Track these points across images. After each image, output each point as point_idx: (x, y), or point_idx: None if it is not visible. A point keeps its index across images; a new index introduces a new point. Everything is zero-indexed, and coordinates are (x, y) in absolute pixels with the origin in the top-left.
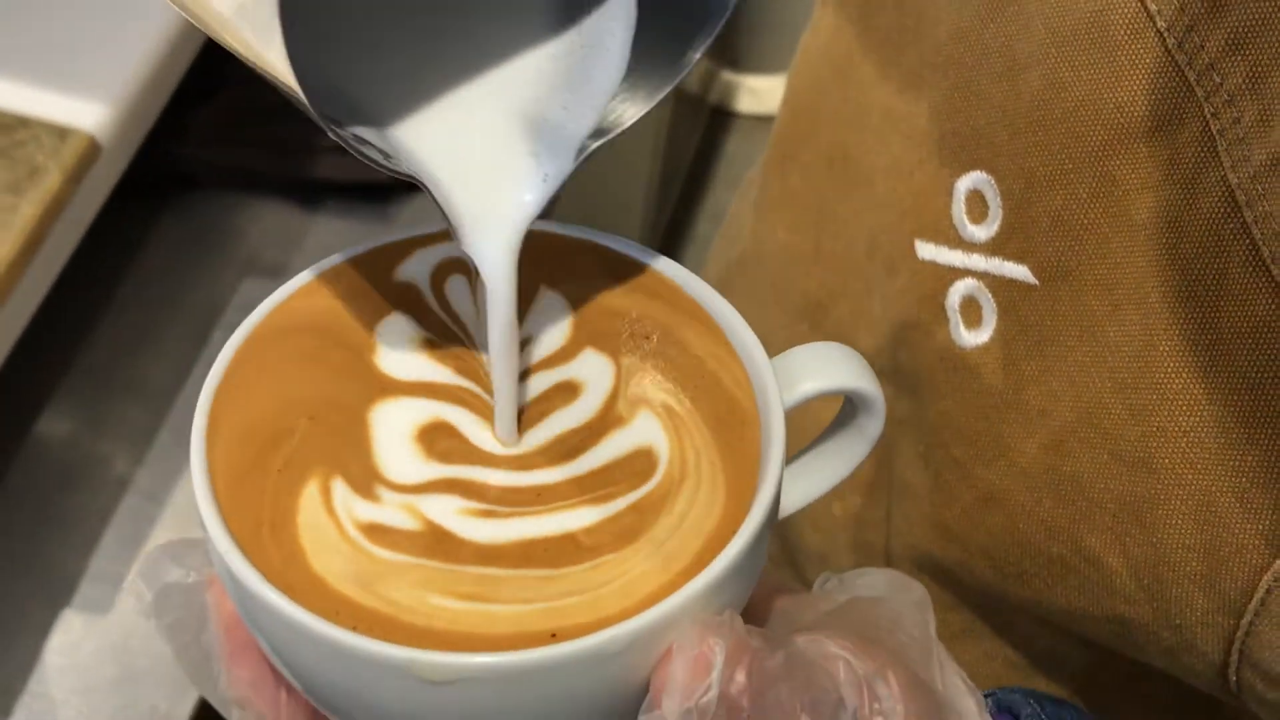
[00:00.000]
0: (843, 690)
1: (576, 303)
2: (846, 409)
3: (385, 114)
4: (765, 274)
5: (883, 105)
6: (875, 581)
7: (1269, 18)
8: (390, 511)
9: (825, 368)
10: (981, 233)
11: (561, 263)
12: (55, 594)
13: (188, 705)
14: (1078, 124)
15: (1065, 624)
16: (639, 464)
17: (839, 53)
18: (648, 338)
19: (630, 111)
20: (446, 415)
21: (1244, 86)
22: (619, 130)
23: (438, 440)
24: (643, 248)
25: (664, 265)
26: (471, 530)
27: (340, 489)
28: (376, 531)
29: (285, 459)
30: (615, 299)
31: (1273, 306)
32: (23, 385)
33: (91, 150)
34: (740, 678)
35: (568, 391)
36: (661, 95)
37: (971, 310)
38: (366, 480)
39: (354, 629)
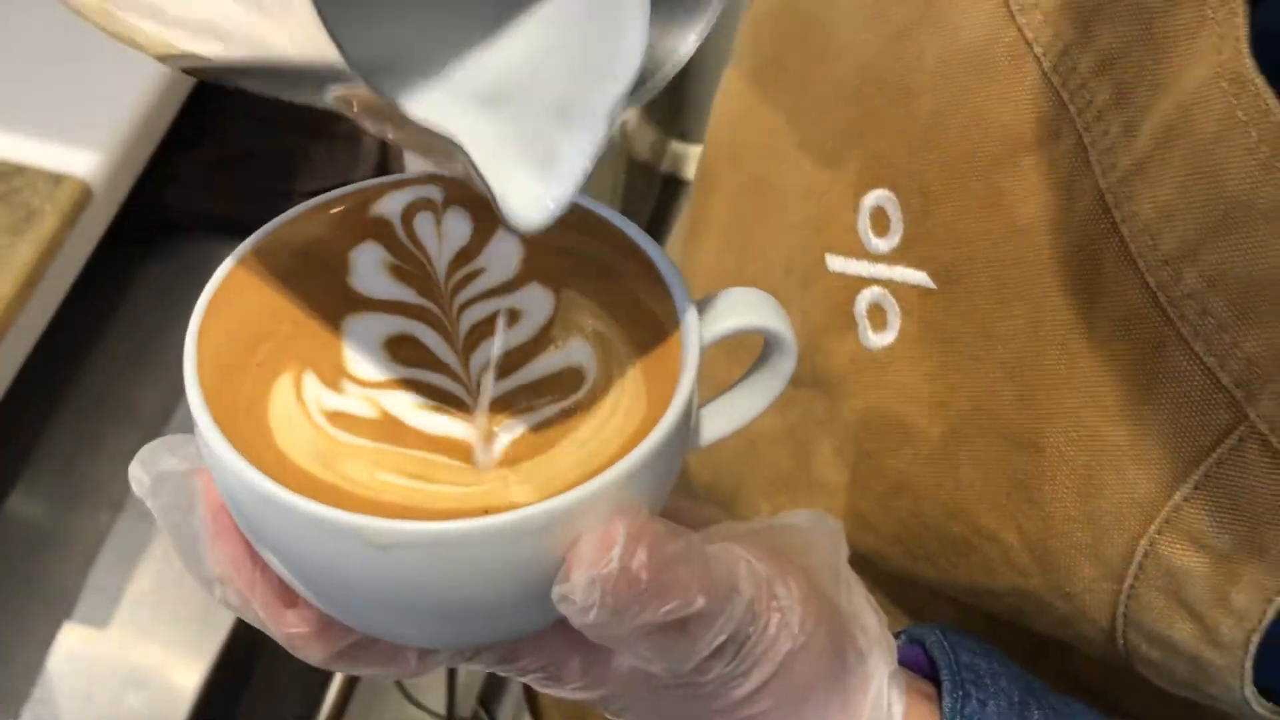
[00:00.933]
0: (740, 583)
1: (529, 243)
2: (765, 350)
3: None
4: (693, 294)
5: (796, 135)
6: (798, 516)
7: (1132, 40)
8: (353, 402)
9: (742, 308)
10: (885, 244)
11: None
12: (57, 607)
13: (183, 709)
14: (967, 142)
15: (971, 601)
16: (570, 379)
17: (755, 91)
18: (589, 274)
19: (678, 49)
20: (410, 329)
21: (1111, 102)
22: (662, 76)
23: (401, 348)
24: (592, 200)
25: (609, 214)
26: (423, 422)
27: (310, 381)
28: (339, 418)
29: (264, 356)
30: (563, 240)
31: (1141, 296)
32: (23, 412)
33: (84, 195)
34: (642, 555)
35: (511, 317)
36: (695, 34)
37: (877, 315)
38: (334, 376)
39: (311, 497)
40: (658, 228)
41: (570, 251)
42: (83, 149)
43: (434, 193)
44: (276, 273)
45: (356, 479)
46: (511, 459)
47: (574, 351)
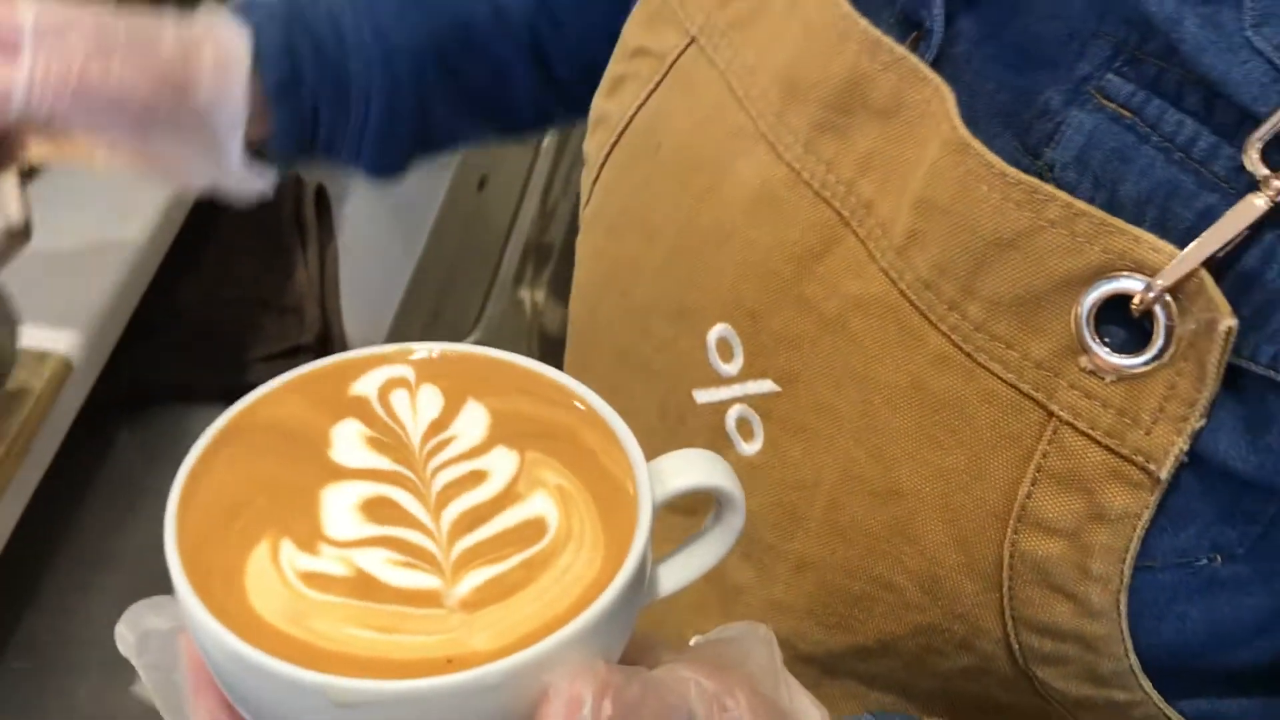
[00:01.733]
0: (693, 704)
1: (495, 410)
2: (716, 507)
3: None
4: None
5: (643, 301)
6: (730, 629)
7: (877, 149)
8: (326, 562)
9: (694, 468)
10: (732, 367)
11: (486, 378)
12: None
13: None
14: (771, 265)
15: (885, 656)
16: (531, 531)
17: (601, 273)
18: (552, 437)
19: None
20: (385, 492)
21: (874, 197)
22: None
23: (376, 509)
24: (553, 369)
25: (569, 381)
26: (392, 576)
27: (286, 545)
28: (312, 578)
29: (243, 524)
30: (528, 406)
31: (940, 343)
32: (19, 566)
33: (66, 369)
34: (607, 708)
35: (479, 477)
36: None
37: (745, 427)
38: (310, 539)
39: (277, 655)
40: None
41: (535, 418)
42: (63, 329)
43: (406, 371)
44: (253, 448)
45: (325, 634)
46: (474, 604)
47: (537, 505)
